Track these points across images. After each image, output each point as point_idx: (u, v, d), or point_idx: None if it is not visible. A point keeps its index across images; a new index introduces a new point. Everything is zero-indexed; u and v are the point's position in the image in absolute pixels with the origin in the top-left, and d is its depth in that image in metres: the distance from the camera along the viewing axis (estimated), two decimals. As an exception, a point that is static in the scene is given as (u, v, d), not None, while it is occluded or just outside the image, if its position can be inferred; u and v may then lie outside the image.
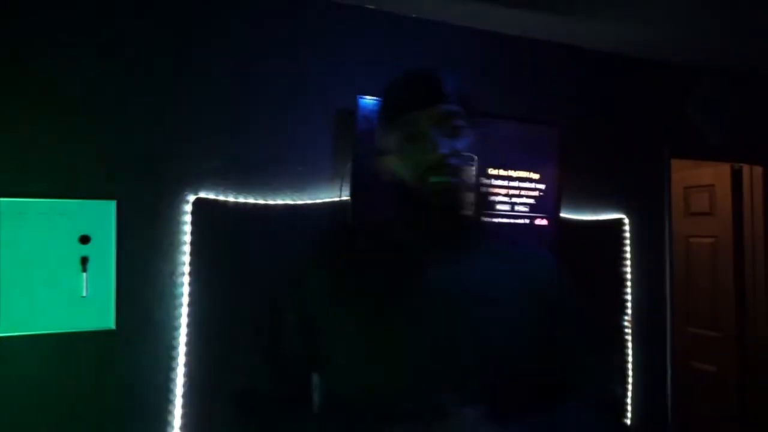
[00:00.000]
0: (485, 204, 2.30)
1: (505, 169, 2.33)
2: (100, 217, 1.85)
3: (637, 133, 2.82)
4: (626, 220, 2.75)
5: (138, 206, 1.91)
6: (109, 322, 1.85)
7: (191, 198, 1.98)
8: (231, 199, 2.03)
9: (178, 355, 1.92)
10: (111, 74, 1.89)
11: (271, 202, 2.08)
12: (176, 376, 1.92)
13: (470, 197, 0.93)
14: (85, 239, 1.83)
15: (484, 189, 2.30)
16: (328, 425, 0.86)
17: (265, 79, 2.09)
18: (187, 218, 1.96)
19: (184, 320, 1.94)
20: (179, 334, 1.93)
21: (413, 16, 2.34)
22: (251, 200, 2.05)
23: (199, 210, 1.98)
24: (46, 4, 1.82)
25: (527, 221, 2.38)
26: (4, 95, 1.77)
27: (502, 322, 0.88)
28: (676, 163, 3.02)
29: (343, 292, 0.91)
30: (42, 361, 1.78)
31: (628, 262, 2.74)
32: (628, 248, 2.75)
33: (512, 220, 2.36)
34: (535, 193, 2.39)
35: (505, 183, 2.33)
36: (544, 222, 2.41)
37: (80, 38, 1.86)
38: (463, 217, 0.92)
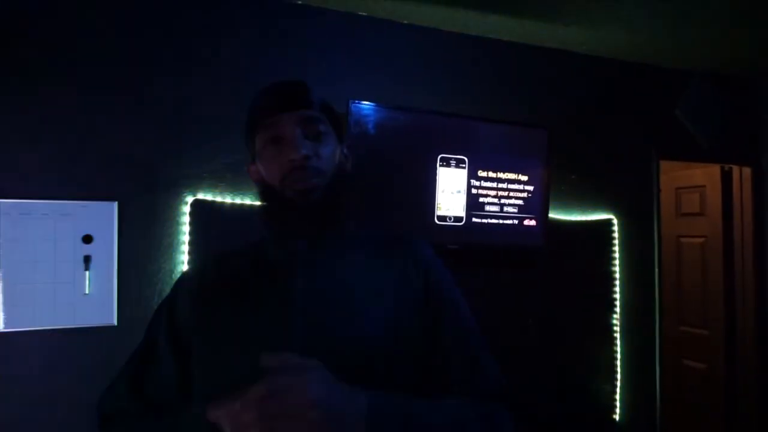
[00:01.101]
0: (475, 205, 2.37)
1: (494, 171, 2.40)
2: (103, 217, 1.93)
3: (626, 135, 2.88)
4: (615, 221, 2.82)
5: (138, 207, 1.99)
6: (111, 318, 1.93)
7: (189, 199, 2.05)
8: (228, 200, 2.11)
9: (176, 350, 2.00)
10: (113, 81, 1.97)
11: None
12: (175, 371, 1.99)
13: (341, 198, 0.93)
14: (87, 239, 1.91)
15: (474, 191, 2.37)
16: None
17: (260, 85, 2.16)
18: (186, 219, 2.04)
19: (182, 317, 2.01)
20: (178, 330, 2.01)
21: (404, 22, 2.41)
22: (247, 201, 2.13)
23: (197, 211, 2.06)
24: (50, 8, 1.90)
25: (516, 222, 2.45)
26: (9, 100, 1.85)
27: (375, 324, 0.85)
28: (667, 165, 3.08)
29: (213, 313, 0.89)
30: (47, 356, 1.86)
31: (617, 262, 2.80)
32: (616, 248, 2.81)
33: (501, 221, 2.43)
34: (524, 195, 2.46)
35: (494, 185, 2.40)
36: (533, 222, 2.48)
37: (83, 43, 1.94)
38: (329, 219, 0.91)
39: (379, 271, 0.92)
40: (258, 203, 0.99)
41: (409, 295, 0.90)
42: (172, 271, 2.02)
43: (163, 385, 0.90)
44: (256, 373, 0.73)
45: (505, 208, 2.43)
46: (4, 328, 1.81)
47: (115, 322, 1.94)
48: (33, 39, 1.88)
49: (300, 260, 0.90)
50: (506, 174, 2.42)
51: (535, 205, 2.48)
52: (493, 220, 2.41)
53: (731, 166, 3.30)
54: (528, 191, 2.47)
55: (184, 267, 2.03)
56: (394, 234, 1.01)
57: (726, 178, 3.32)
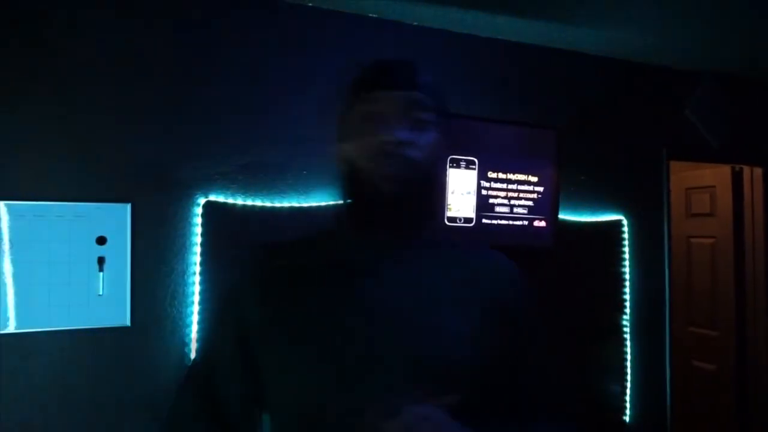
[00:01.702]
0: (485, 206, 2.37)
1: (504, 172, 2.40)
2: (116, 219, 1.95)
3: (636, 135, 2.87)
4: (625, 221, 2.81)
5: (151, 209, 2.01)
6: (125, 319, 1.95)
7: (201, 201, 2.07)
8: (239, 201, 2.12)
9: (189, 350, 2.02)
10: (126, 84, 1.99)
11: (277, 204, 2.17)
12: (187, 371, 2.01)
13: (430, 197, 0.84)
14: (101, 240, 1.93)
15: (484, 192, 2.37)
16: None
17: (270, 86, 2.18)
18: (198, 220, 2.06)
19: (195, 317, 2.03)
20: (191, 330, 2.03)
21: (414, 24, 2.42)
22: (258, 203, 2.14)
23: (209, 212, 2.07)
24: (63, 13, 1.92)
25: (526, 223, 2.45)
26: (24, 104, 1.87)
27: (454, 333, 0.79)
28: (677, 165, 3.07)
29: (279, 312, 0.81)
30: (61, 356, 1.88)
31: (627, 263, 2.80)
32: (626, 249, 2.80)
33: (511, 222, 2.43)
34: (534, 196, 2.46)
35: (504, 186, 2.41)
36: (543, 224, 2.48)
37: (96, 47, 1.96)
38: (413, 215, 0.81)
39: (463, 282, 0.84)
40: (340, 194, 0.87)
41: (494, 310, 0.83)
42: (184, 272, 2.04)
43: (233, 395, 0.83)
44: (335, 387, 0.74)
45: (515, 209, 2.43)
46: (19, 328, 1.83)
47: (129, 323, 1.95)
48: (48, 40, 1.90)
49: (382, 260, 0.81)
50: (516, 175, 2.43)
51: (544, 206, 2.48)
52: (503, 221, 2.42)
53: (742, 166, 3.29)
54: (538, 192, 2.47)
55: (196, 268, 2.04)
56: (477, 245, 0.94)
57: (737, 179, 3.31)
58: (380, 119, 0.80)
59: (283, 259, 0.86)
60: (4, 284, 1.81)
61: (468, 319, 0.80)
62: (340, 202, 0.85)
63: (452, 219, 2.31)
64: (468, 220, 2.34)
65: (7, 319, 1.82)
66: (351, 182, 0.82)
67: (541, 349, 0.88)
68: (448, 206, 2.31)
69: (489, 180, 2.38)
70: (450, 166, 2.30)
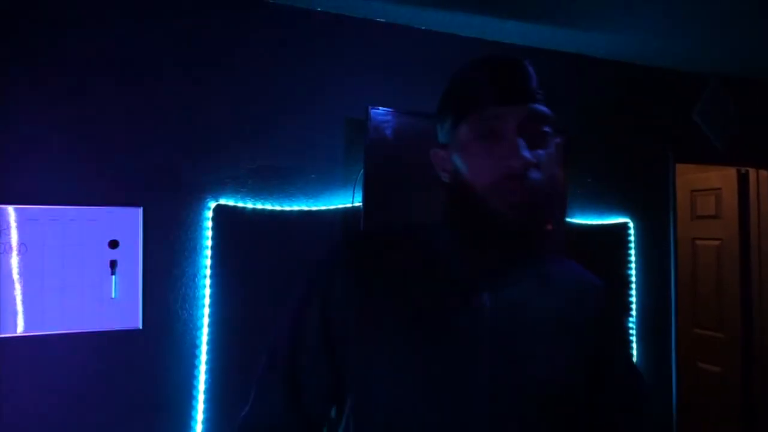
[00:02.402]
0: None
1: None
2: (128, 223, 1.97)
3: (642, 138, 2.88)
4: (631, 224, 2.82)
5: (163, 213, 2.03)
6: (136, 322, 1.97)
7: (212, 204, 2.09)
8: (249, 205, 2.14)
9: (200, 353, 2.04)
10: (138, 88, 2.01)
11: (287, 208, 2.19)
12: (199, 374, 2.03)
13: (552, 221, 0.77)
14: (114, 244, 1.95)
15: None
16: None
17: (280, 92, 2.20)
18: (209, 224, 2.08)
19: (206, 320, 2.05)
20: (202, 333, 2.04)
21: (423, 28, 2.43)
22: (268, 206, 2.16)
23: (220, 216, 2.09)
24: (73, 18, 1.94)
25: None
26: (36, 109, 1.89)
27: (555, 359, 0.76)
28: (682, 167, 3.08)
29: (373, 308, 0.75)
30: (73, 359, 1.90)
31: (633, 265, 2.81)
32: (632, 251, 2.82)
33: None
34: None
35: None
36: (549, 227, 2.48)
37: (108, 53, 1.98)
38: (534, 242, 0.76)
39: (563, 306, 0.80)
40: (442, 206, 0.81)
41: (584, 332, 0.80)
42: (195, 276, 2.06)
43: (320, 396, 0.78)
44: (425, 403, 0.70)
45: None
46: (32, 331, 1.85)
47: (140, 326, 1.97)
48: (58, 48, 1.92)
49: (489, 280, 0.76)
50: None
51: (553, 209, 2.48)
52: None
53: (748, 168, 3.30)
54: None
55: (207, 271, 2.06)
56: (579, 272, 0.90)
57: (742, 181, 3.32)
58: (500, 138, 0.71)
59: (375, 255, 0.79)
60: (16, 287, 1.84)
61: (566, 346, 0.77)
62: (446, 218, 0.80)
63: None
64: None
65: (19, 322, 1.84)
66: (466, 206, 0.74)
67: (630, 370, 0.89)
68: None
69: None
70: None
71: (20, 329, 1.84)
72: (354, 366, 0.75)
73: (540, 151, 0.72)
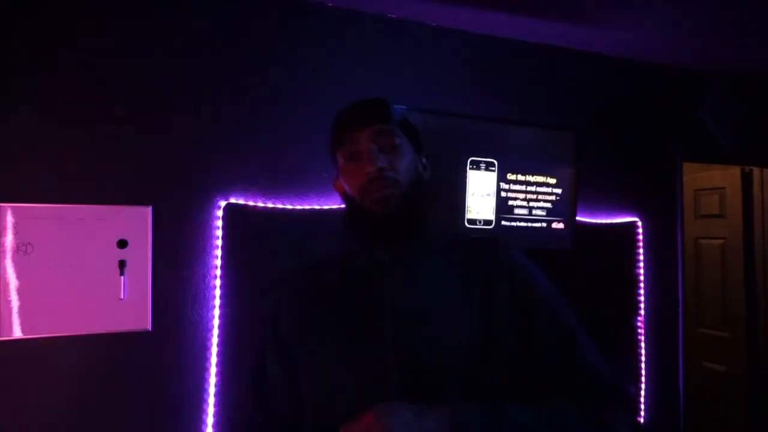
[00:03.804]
0: (504, 208, 2.37)
1: (523, 174, 2.40)
2: (137, 222, 1.92)
3: (649, 137, 2.88)
4: (639, 223, 2.81)
5: (172, 212, 1.98)
6: (146, 323, 1.92)
7: (222, 203, 2.05)
8: (260, 204, 2.10)
9: (211, 355, 1.99)
10: (147, 87, 1.96)
11: (298, 206, 2.15)
12: (209, 376, 1.99)
13: (421, 207, 0.96)
14: (122, 243, 1.90)
15: (503, 194, 2.36)
16: None
17: (291, 90, 2.16)
18: (219, 223, 2.03)
19: (216, 321, 2.01)
20: (212, 335, 2.00)
21: (433, 24, 2.40)
22: (279, 205, 2.12)
23: (230, 215, 2.05)
24: (81, 13, 1.89)
25: (544, 225, 2.44)
26: (46, 107, 1.84)
27: (463, 331, 0.86)
28: (686, 166, 3.07)
29: (310, 324, 0.95)
30: (81, 361, 1.85)
31: (641, 264, 2.80)
32: (641, 250, 2.81)
33: (530, 224, 2.42)
34: (552, 198, 2.46)
35: (523, 188, 2.40)
36: (561, 225, 2.47)
37: (118, 51, 1.93)
38: (408, 228, 0.94)
39: (463, 279, 0.92)
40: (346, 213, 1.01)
41: (496, 300, 0.89)
42: (205, 276, 2.02)
43: (280, 398, 0.98)
44: (354, 383, 0.86)
45: (534, 211, 2.42)
46: (39, 333, 1.80)
47: (150, 327, 1.93)
48: (68, 47, 1.87)
49: (385, 270, 0.93)
50: (535, 177, 2.42)
51: (563, 208, 2.47)
52: (522, 223, 2.41)
53: (752, 167, 3.30)
54: (556, 194, 2.46)
55: (217, 271, 2.02)
56: (478, 238, 1.02)
57: (746, 180, 3.32)
58: (360, 155, 0.94)
59: (306, 279, 1.02)
60: (22, 288, 1.78)
61: (472, 319, 0.87)
62: (343, 224, 1.00)
63: (472, 221, 2.30)
64: (488, 222, 2.33)
65: (25, 324, 1.78)
66: (352, 211, 0.96)
67: (549, 329, 0.89)
68: (468, 208, 2.29)
69: (508, 182, 2.37)
70: (470, 168, 2.29)
71: (26, 331, 1.78)
72: (303, 367, 0.93)
73: (393, 157, 0.93)
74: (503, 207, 2.37)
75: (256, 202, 2.10)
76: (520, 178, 2.39)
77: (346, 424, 0.76)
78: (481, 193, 2.31)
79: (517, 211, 2.39)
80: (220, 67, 2.07)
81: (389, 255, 0.94)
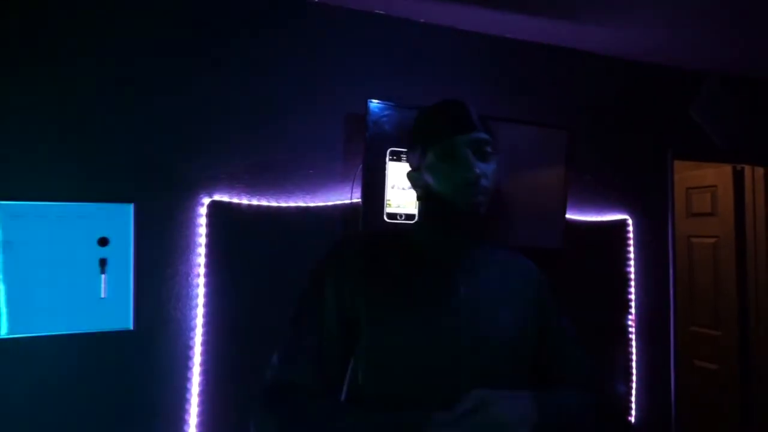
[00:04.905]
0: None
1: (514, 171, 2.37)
2: (119, 219, 1.89)
3: (640, 135, 2.86)
4: (630, 221, 2.80)
5: (155, 209, 1.95)
6: (128, 322, 1.89)
7: (206, 201, 2.02)
8: (245, 201, 2.07)
9: (194, 355, 1.96)
10: (129, 81, 1.93)
11: (283, 204, 2.12)
12: (193, 376, 1.96)
13: (493, 211, 1.12)
14: (103, 241, 1.87)
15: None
16: (363, 417, 0.91)
17: (277, 84, 2.13)
18: (203, 220, 2.00)
19: (200, 320, 1.98)
20: (195, 334, 1.97)
21: (422, 21, 2.38)
22: (264, 203, 2.09)
23: (214, 212, 2.02)
24: (62, 11, 1.86)
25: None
26: (24, 102, 1.81)
27: (512, 325, 1.05)
28: (678, 165, 3.06)
29: (381, 287, 1.01)
30: (62, 361, 1.82)
31: (632, 262, 2.78)
32: (631, 248, 2.79)
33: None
34: (544, 195, 2.41)
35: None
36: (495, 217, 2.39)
37: (98, 45, 1.90)
38: (487, 230, 1.09)
39: (511, 280, 1.11)
40: (415, 207, 1.13)
41: (529, 301, 1.11)
42: (188, 274, 1.99)
43: (338, 366, 1.02)
44: (428, 352, 0.97)
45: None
46: (19, 333, 1.76)
47: (132, 327, 1.89)
48: (50, 42, 1.84)
49: (460, 260, 1.06)
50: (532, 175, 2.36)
51: (552, 207, 2.44)
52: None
53: (743, 165, 3.29)
54: (547, 192, 2.42)
55: (201, 269, 1.99)
56: (515, 252, 1.21)
57: (738, 178, 3.31)
58: (456, 159, 1.00)
59: (371, 251, 1.06)
60: (0, 287, 1.75)
61: (517, 312, 1.07)
62: (421, 217, 1.11)
63: (392, 215, 2.17)
64: (409, 216, 2.18)
65: (4, 323, 1.75)
66: (436, 206, 1.04)
67: (570, 338, 1.15)
68: (387, 202, 2.16)
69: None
70: (389, 159, 2.14)
71: (5, 331, 1.75)
72: (369, 331, 0.99)
73: (485, 165, 1.01)
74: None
75: (240, 199, 2.07)
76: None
77: (443, 411, 0.86)
78: (401, 186, 2.18)
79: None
80: (205, 62, 2.04)
81: (467, 251, 1.07)
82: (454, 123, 1.01)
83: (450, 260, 1.06)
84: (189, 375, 1.96)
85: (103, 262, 1.87)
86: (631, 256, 2.79)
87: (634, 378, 2.75)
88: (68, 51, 1.86)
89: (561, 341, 1.13)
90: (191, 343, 1.97)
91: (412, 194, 2.19)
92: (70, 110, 1.86)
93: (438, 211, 1.04)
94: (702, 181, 3.50)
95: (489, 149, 1.02)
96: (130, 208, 1.91)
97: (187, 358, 1.96)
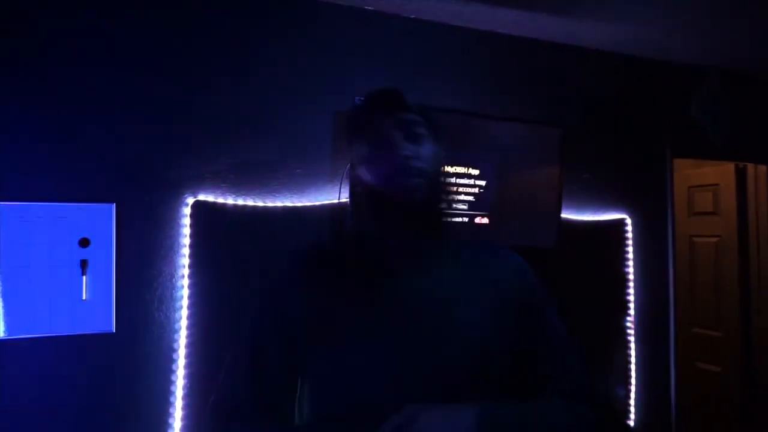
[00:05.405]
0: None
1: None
2: (100, 220, 1.86)
3: (639, 132, 2.80)
4: (628, 220, 2.74)
5: (137, 209, 1.92)
6: (109, 325, 1.86)
7: (190, 200, 1.98)
8: (230, 201, 2.03)
9: (178, 357, 1.93)
10: (111, 79, 1.90)
11: (270, 204, 2.08)
12: (176, 379, 1.92)
13: (441, 200, 0.98)
14: (84, 242, 1.84)
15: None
16: None
17: (263, 82, 2.09)
18: (186, 221, 1.97)
19: (184, 322, 1.94)
20: (179, 336, 1.93)
21: (412, 17, 2.33)
22: (250, 202, 2.06)
23: (198, 212, 1.98)
24: (48, 7, 1.83)
25: (466, 219, 2.28)
26: (4, 99, 1.78)
27: (474, 327, 0.90)
28: (679, 163, 3.00)
29: (323, 304, 0.92)
30: (43, 364, 1.79)
31: (630, 263, 2.72)
32: (630, 248, 2.73)
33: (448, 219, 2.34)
34: (475, 190, 2.29)
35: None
36: (485, 220, 2.31)
37: (80, 42, 1.86)
38: (431, 219, 0.95)
39: (476, 277, 0.96)
40: (352, 202, 1.06)
41: (503, 301, 0.95)
42: (172, 275, 1.95)
43: (280, 382, 0.95)
44: (373, 368, 0.87)
45: (454, 205, 2.23)
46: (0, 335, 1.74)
47: (113, 329, 1.86)
48: (30, 39, 1.80)
49: (405, 262, 0.93)
50: (454, 168, 2.25)
51: (488, 201, 2.30)
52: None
53: (746, 163, 3.22)
54: (480, 186, 2.30)
55: (185, 270, 1.95)
56: (484, 242, 1.07)
57: (740, 176, 3.24)
58: (386, 142, 0.92)
59: (317, 262, 0.99)
60: (-19, 289, 1.72)
61: (484, 314, 0.92)
62: (360, 213, 0.99)
63: None
64: None
65: (-16, 326, 1.72)
66: (372, 196, 0.93)
67: (558, 339, 0.98)
68: None
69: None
70: None
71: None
72: (315, 349, 0.91)
73: (417, 147, 0.93)
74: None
75: (225, 199, 2.03)
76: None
77: (372, 425, 0.76)
78: None
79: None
80: (189, 59, 2.00)
81: (410, 247, 0.94)
82: (381, 107, 0.95)
83: (392, 261, 0.94)
84: (173, 378, 1.92)
85: (84, 264, 1.84)
86: (630, 255, 2.73)
87: (633, 380, 2.69)
88: (51, 50, 1.83)
89: (548, 345, 0.97)
90: (175, 346, 1.93)
91: None
92: (51, 107, 1.82)
93: (371, 204, 0.94)
94: (704, 179, 3.43)
95: (421, 130, 0.94)
96: (112, 209, 1.88)
97: (171, 361, 1.93)
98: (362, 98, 1.01)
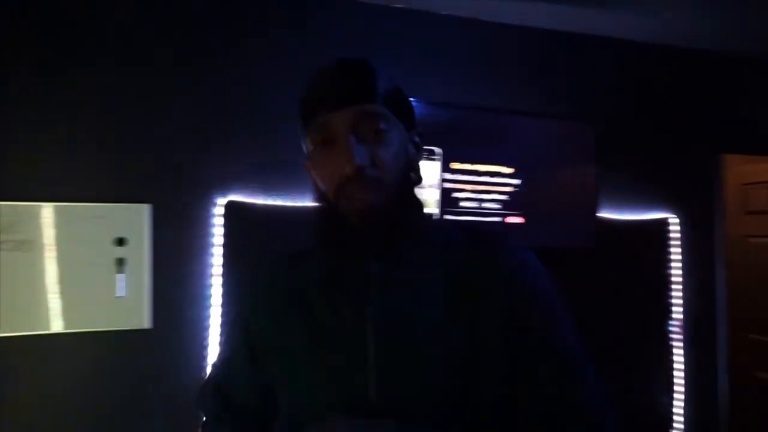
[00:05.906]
0: (449, 201, 2.19)
1: (471, 163, 2.20)
2: (135, 220, 1.92)
3: (685, 127, 2.66)
4: (674, 220, 2.60)
5: (171, 209, 1.97)
6: (144, 321, 1.92)
7: (222, 201, 2.02)
8: (260, 201, 2.06)
9: (209, 354, 1.97)
10: (146, 85, 1.96)
11: (299, 203, 2.10)
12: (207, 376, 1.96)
13: (409, 208, 0.78)
14: (120, 241, 1.90)
15: (446, 185, 2.19)
16: None
17: (291, 84, 2.11)
18: (218, 221, 2.01)
19: (215, 320, 1.98)
20: (209, 334, 1.97)
21: (443, 13, 2.30)
22: (280, 202, 2.08)
23: (230, 212, 2.02)
24: (81, 13, 1.91)
25: (498, 219, 2.23)
26: (45, 106, 1.86)
27: (447, 349, 0.72)
28: (732, 159, 2.83)
29: (285, 326, 0.81)
30: (80, 358, 1.86)
31: (676, 264, 2.59)
32: (675, 249, 2.60)
33: (480, 218, 2.25)
34: (508, 189, 2.23)
35: (470, 178, 2.21)
36: (520, 219, 2.24)
37: (112, 45, 1.94)
38: (393, 238, 0.75)
39: (454, 288, 0.76)
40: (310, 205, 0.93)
41: (488, 312, 0.74)
42: (204, 274, 1.99)
43: (246, 394, 0.88)
44: (329, 391, 0.74)
45: (485, 204, 2.22)
46: (37, 330, 1.82)
47: (148, 325, 1.92)
48: (62, 42, 1.89)
49: (369, 278, 0.76)
50: (485, 166, 2.21)
51: (521, 201, 2.25)
52: (469, 218, 2.26)
53: (806, 158, 3.01)
54: (514, 185, 2.25)
55: (218, 269, 1.99)
56: (479, 234, 0.83)
57: (800, 172, 3.03)
58: (334, 144, 0.73)
59: (280, 277, 0.86)
60: (20, 285, 1.81)
61: (457, 342, 0.73)
62: (321, 225, 0.80)
63: None
64: None
65: (23, 321, 1.81)
66: (323, 210, 0.77)
67: (566, 366, 0.73)
68: None
69: (453, 172, 2.16)
70: None
71: (24, 328, 1.80)
72: (276, 369, 0.82)
73: (376, 147, 0.73)
74: (446, 199, 2.16)
75: (256, 198, 2.06)
76: (467, 167, 2.18)
77: None
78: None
79: (463, 204, 2.19)
80: (220, 61, 2.05)
81: (373, 260, 0.77)
82: (327, 94, 0.73)
83: (355, 280, 0.77)
84: (204, 374, 1.96)
85: (120, 262, 1.90)
86: (675, 257, 2.60)
87: (678, 389, 2.56)
88: (85, 54, 1.91)
89: (550, 370, 0.73)
90: (206, 343, 1.98)
91: (426, 190, 2.11)
92: (88, 112, 1.90)
93: (327, 220, 0.76)
94: (760, 176, 3.22)
95: (383, 126, 0.73)
96: (147, 209, 1.93)
97: (202, 357, 1.97)
98: (314, 75, 0.77)
